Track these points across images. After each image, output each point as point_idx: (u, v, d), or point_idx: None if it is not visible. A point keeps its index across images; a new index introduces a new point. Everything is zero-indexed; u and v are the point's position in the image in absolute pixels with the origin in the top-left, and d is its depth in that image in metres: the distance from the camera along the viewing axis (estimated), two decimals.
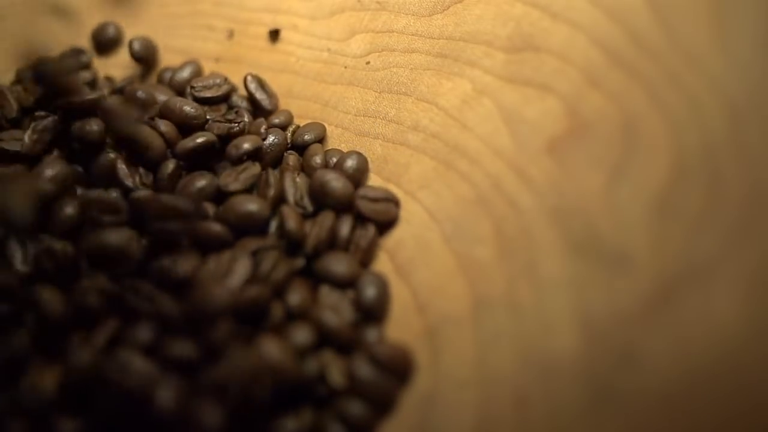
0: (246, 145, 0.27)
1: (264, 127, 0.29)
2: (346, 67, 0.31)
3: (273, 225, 0.25)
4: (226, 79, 0.31)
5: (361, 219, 0.25)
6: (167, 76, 0.33)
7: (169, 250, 0.23)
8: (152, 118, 0.28)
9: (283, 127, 0.29)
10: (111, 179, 0.25)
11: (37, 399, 0.20)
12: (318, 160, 0.27)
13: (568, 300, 0.20)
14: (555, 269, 0.21)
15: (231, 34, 0.35)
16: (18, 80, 0.33)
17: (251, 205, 0.25)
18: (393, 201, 0.26)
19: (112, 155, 0.26)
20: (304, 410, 0.21)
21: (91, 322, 0.22)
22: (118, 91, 0.31)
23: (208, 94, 0.31)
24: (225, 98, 0.31)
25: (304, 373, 0.21)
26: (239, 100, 0.31)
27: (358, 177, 0.26)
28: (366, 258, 0.24)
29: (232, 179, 0.26)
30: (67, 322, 0.22)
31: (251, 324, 0.22)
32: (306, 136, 0.28)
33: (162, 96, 0.29)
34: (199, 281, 0.22)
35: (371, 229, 0.25)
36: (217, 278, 0.22)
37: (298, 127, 0.29)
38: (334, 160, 0.27)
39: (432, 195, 0.25)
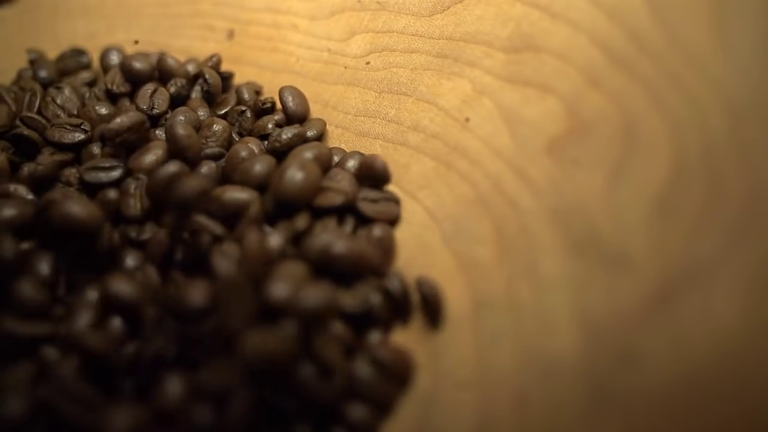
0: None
1: (272, 123, 0.29)
2: (346, 67, 0.31)
3: None
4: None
5: (362, 220, 0.25)
6: None
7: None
8: None
9: (281, 125, 0.29)
10: None
11: None
12: None
13: (568, 300, 0.20)
14: (555, 269, 0.21)
15: (231, 34, 0.35)
16: (18, 80, 0.33)
17: None
18: (393, 200, 0.26)
19: None
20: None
21: None
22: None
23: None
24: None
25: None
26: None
27: (360, 177, 0.26)
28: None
29: None
30: None
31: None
32: (309, 133, 0.29)
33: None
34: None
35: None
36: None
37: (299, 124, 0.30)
38: (336, 158, 0.27)
39: (432, 195, 0.25)
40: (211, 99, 0.31)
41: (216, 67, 0.32)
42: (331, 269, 0.23)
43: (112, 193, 0.26)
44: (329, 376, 0.21)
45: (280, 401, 0.20)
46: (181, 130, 0.26)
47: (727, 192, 0.19)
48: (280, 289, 0.21)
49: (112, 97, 0.31)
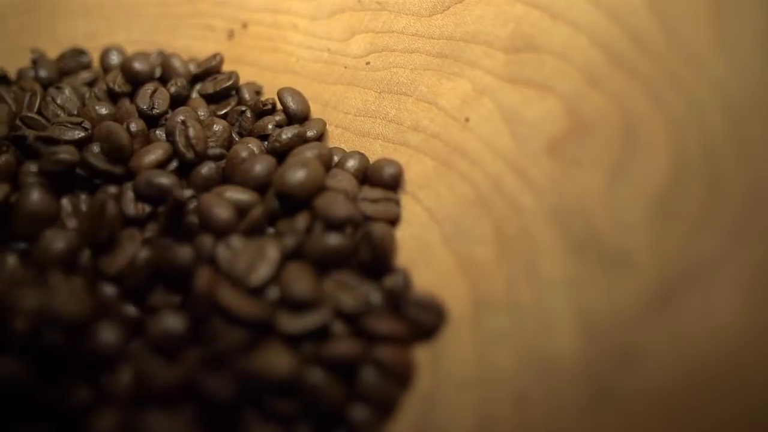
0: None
1: (272, 123, 0.29)
2: (346, 67, 0.31)
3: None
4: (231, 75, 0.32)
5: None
6: None
7: None
8: None
9: (281, 126, 0.29)
10: None
11: None
12: None
13: (568, 300, 0.20)
14: (555, 269, 0.21)
15: (231, 34, 0.35)
16: (18, 80, 0.33)
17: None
18: (393, 200, 0.26)
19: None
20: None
21: None
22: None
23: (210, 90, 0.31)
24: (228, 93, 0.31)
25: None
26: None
27: (360, 177, 0.26)
28: None
29: None
30: None
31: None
32: (309, 133, 0.29)
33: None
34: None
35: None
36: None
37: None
38: (336, 158, 0.27)
39: (432, 195, 0.25)
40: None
41: (218, 67, 0.32)
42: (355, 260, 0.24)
43: (112, 190, 0.26)
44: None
45: (282, 407, 0.20)
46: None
47: (727, 192, 0.19)
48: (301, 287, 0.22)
49: (113, 97, 0.31)
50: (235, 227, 0.24)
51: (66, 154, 0.26)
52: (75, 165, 0.26)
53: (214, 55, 0.33)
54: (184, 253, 0.23)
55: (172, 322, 0.21)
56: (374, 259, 0.23)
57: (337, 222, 0.23)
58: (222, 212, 0.24)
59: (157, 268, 0.23)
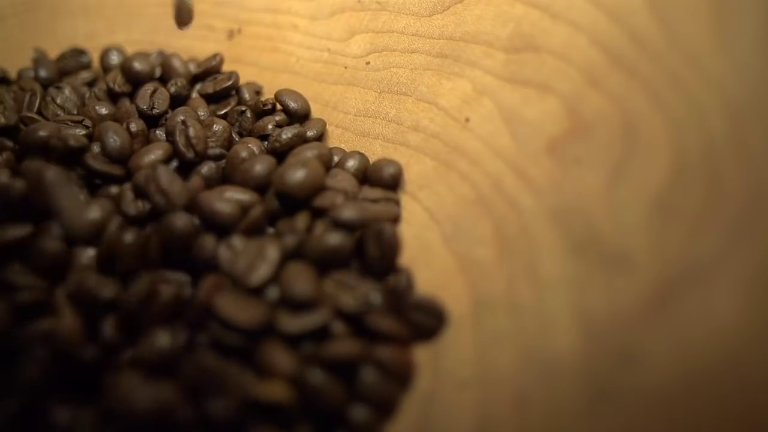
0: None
1: (272, 123, 0.29)
2: (346, 67, 0.31)
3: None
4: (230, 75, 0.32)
5: None
6: None
7: None
8: None
9: (281, 126, 0.29)
10: None
11: None
12: None
13: (568, 300, 0.20)
14: (555, 269, 0.21)
15: (231, 34, 0.35)
16: (18, 80, 0.33)
17: None
18: (393, 200, 0.26)
19: None
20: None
21: None
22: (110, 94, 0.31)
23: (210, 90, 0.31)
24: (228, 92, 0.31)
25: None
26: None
27: (360, 177, 0.26)
28: None
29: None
30: None
31: None
32: (309, 133, 0.29)
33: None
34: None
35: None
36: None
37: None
38: (336, 158, 0.27)
39: (432, 195, 0.25)
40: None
41: (218, 67, 0.32)
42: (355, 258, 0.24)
43: (113, 189, 0.26)
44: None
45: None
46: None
47: (727, 192, 0.19)
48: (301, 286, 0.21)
49: (113, 97, 0.31)
50: (237, 221, 0.24)
51: (73, 139, 0.26)
52: (79, 151, 0.26)
53: (214, 55, 0.33)
54: (182, 220, 0.23)
55: (164, 340, 0.21)
56: (382, 258, 0.23)
57: (349, 225, 0.23)
58: (224, 206, 0.24)
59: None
